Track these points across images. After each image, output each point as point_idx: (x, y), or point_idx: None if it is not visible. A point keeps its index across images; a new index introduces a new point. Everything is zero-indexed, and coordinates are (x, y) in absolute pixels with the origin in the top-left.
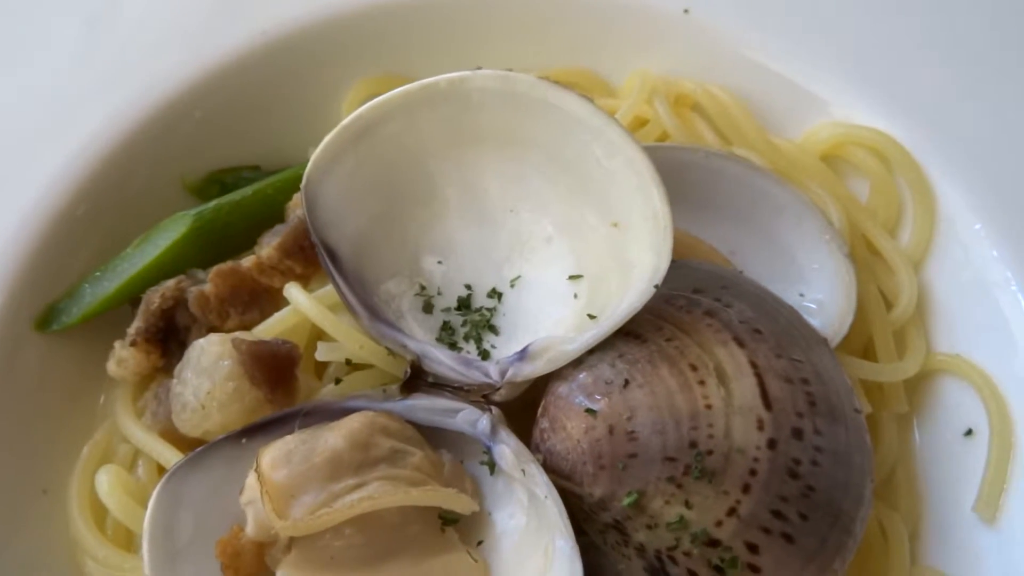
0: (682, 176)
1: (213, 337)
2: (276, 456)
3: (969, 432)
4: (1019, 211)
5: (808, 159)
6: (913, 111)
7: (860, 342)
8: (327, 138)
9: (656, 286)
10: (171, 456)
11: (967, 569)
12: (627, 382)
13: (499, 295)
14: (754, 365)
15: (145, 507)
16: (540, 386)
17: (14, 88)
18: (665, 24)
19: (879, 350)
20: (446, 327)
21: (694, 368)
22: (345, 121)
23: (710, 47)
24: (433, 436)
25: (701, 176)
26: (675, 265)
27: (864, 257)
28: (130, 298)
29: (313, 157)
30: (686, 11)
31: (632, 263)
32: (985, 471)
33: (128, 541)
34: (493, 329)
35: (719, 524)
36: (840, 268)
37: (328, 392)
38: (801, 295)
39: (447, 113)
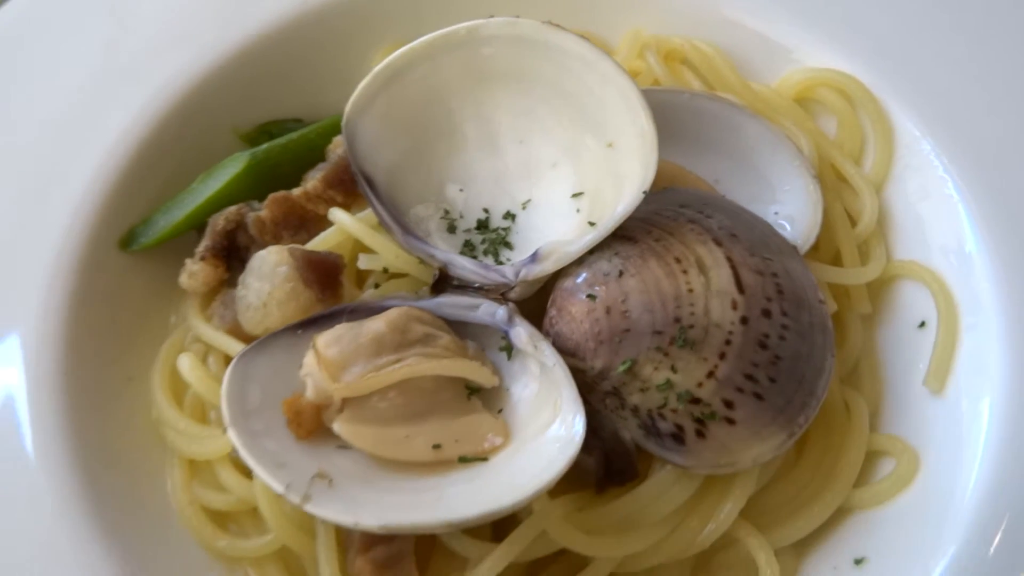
0: (670, 115)
1: (272, 248)
2: (328, 339)
3: (922, 324)
4: (967, 138)
5: (782, 100)
6: (874, 54)
7: (828, 256)
8: (362, 83)
9: (644, 192)
10: (238, 347)
11: (917, 433)
12: (621, 273)
13: (512, 216)
14: (730, 260)
15: (220, 384)
16: (548, 289)
17: (98, 50)
18: None
19: (845, 259)
20: (468, 244)
21: (678, 260)
22: (377, 68)
23: (695, 8)
24: (458, 331)
25: (687, 115)
26: (665, 190)
27: (832, 183)
28: (196, 225)
29: (351, 99)
30: None
31: (624, 175)
32: (933, 351)
33: (202, 417)
34: (508, 245)
35: (700, 385)
36: (809, 187)
37: (369, 295)
38: (776, 213)
39: (465, 57)
